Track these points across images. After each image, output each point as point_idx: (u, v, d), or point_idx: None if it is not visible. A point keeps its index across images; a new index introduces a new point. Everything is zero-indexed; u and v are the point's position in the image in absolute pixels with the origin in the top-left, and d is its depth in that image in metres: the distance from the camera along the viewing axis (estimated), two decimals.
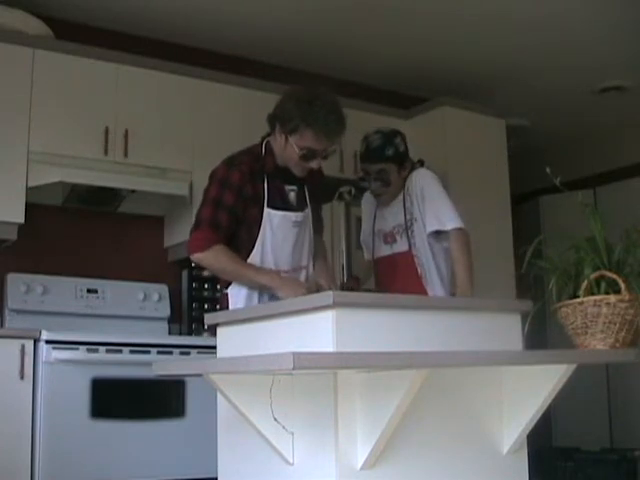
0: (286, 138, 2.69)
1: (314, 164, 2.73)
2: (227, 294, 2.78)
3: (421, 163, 3.36)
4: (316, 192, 2.95)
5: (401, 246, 3.24)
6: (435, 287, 3.16)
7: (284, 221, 2.76)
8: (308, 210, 2.87)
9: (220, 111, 4.29)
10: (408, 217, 3.22)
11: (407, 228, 3.21)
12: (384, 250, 3.31)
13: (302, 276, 2.83)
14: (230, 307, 2.75)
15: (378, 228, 3.35)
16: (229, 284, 2.79)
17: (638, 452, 5.05)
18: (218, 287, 3.12)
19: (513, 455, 2.23)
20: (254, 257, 2.74)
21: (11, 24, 3.85)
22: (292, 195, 2.83)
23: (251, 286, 2.72)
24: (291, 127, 2.66)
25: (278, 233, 2.75)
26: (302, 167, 2.75)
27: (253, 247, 2.73)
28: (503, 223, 5.02)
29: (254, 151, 2.81)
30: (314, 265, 2.93)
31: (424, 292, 3.13)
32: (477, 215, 4.03)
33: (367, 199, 3.50)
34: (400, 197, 3.27)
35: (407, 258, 3.20)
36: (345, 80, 5.15)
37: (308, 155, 2.69)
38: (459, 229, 3.12)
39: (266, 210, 2.73)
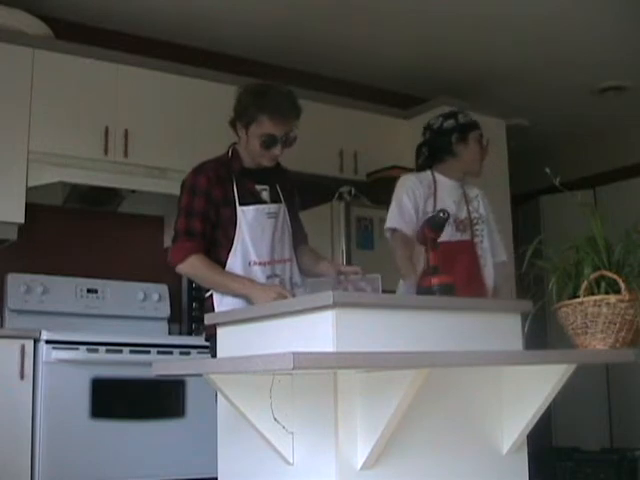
0: (246, 131, 2.78)
1: (276, 150, 2.78)
2: (212, 296, 2.78)
3: None
4: (290, 192, 2.95)
5: (467, 236, 3.25)
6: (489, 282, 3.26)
7: (258, 214, 2.79)
8: (283, 205, 2.88)
9: (220, 111, 4.26)
10: (474, 215, 3.27)
11: (472, 224, 3.25)
12: (454, 236, 3.20)
13: (287, 269, 2.84)
14: (216, 308, 2.76)
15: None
16: None
17: (638, 452, 5.04)
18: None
19: (513, 455, 2.23)
20: (236, 254, 2.75)
21: (11, 24, 3.85)
22: (264, 194, 2.87)
23: (227, 293, 2.74)
24: (248, 118, 2.76)
25: (255, 226, 2.78)
26: (267, 156, 2.80)
27: (232, 247, 2.75)
28: (503, 223, 5.00)
29: (221, 158, 2.88)
30: (297, 259, 2.91)
31: (484, 283, 3.22)
32: None
33: (420, 185, 3.26)
34: (461, 191, 3.29)
35: (473, 248, 3.24)
36: (345, 80, 5.15)
37: (269, 142, 2.75)
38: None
39: (239, 208, 2.77)
